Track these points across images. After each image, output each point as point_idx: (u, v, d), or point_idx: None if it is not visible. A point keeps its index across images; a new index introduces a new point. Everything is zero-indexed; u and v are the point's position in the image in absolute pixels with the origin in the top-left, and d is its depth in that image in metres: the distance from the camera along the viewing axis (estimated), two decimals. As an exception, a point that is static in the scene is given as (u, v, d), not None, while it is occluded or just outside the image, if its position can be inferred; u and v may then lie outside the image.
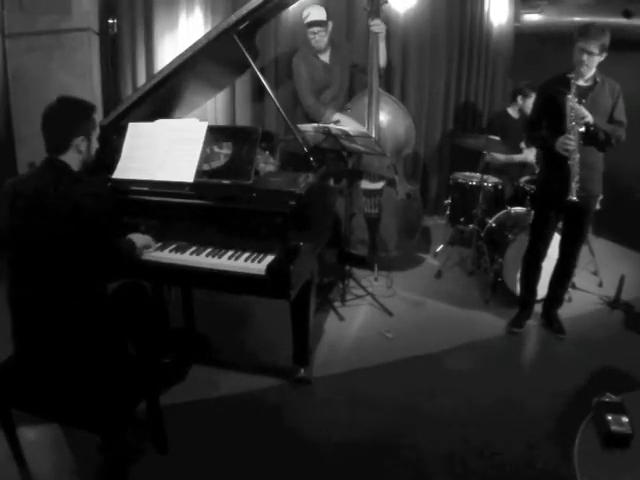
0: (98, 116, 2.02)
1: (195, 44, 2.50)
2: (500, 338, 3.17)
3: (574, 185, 2.67)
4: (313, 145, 3.00)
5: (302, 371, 2.62)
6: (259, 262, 2.17)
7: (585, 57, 2.62)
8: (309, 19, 3.57)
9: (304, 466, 2.15)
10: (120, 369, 1.94)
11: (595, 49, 2.59)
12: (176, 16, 3.97)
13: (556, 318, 3.23)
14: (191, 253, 2.26)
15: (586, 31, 2.61)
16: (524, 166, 4.12)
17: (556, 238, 3.14)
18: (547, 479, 2.10)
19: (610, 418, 1.63)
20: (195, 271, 2.22)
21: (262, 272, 2.12)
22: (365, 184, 3.71)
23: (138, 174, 2.40)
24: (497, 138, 3.77)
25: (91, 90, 3.77)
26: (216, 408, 2.46)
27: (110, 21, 3.84)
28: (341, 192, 3.50)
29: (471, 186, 3.96)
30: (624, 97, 2.78)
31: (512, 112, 4.21)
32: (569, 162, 2.66)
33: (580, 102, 2.65)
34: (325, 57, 3.75)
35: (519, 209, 3.73)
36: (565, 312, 3.31)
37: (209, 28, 3.73)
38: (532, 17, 4.98)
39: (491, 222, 3.74)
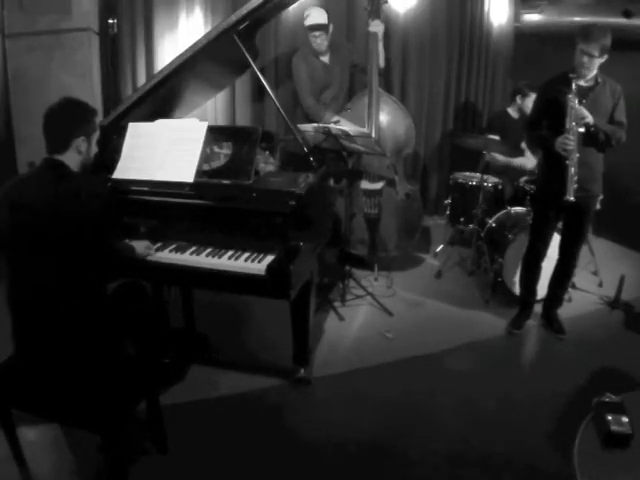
0: (98, 116, 2.02)
1: (195, 44, 2.50)
2: (500, 338, 3.17)
3: (572, 185, 2.66)
4: (313, 145, 3.00)
5: (302, 371, 2.62)
6: (259, 262, 2.17)
7: (585, 59, 2.62)
8: (310, 22, 3.57)
9: (304, 466, 2.15)
10: (120, 369, 1.94)
11: (595, 51, 2.58)
12: (176, 16, 3.97)
13: (556, 318, 3.23)
14: (191, 253, 2.26)
15: (587, 33, 2.60)
16: (523, 171, 4.11)
17: (556, 238, 3.14)
18: (547, 479, 2.10)
19: (610, 418, 1.63)
20: (195, 271, 2.22)
21: (262, 272, 2.12)
22: (365, 184, 3.71)
23: (138, 174, 2.40)
24: (497, 138, 3.78)
25: (91, 90, 3.77)
26: (216, 408, 2.46)
27: (110, 21, 3.84)
28: (341, 192, 3.50)
29: (471, 186, 3.95)
30: (624, 97, 2.78)
31: (512, 112, 4.21)
32: (567, 162, 2.66)
33: (581, 102, 2.65)
34: (325, 58, 3.75)
35: (519, 209, 3.73)
36: (565, 312, 3.31)
37: (209, 28, 3.73)
38: (532, 17, 4.98)
39: (491, 222, 3.74)
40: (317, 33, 3.57)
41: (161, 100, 2.73)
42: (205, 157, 2.40)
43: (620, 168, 3.70)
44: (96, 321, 1.90)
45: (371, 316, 3.36)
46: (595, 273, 3.92)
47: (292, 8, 3.97)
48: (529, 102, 3.94)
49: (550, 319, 3.24)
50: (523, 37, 5.11)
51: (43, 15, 3.63)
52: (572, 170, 2.66)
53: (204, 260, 2.22)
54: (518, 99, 4.13)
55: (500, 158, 4.07)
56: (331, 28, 3.63)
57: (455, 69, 5.05)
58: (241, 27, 2.49)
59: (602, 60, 2.64)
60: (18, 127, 3.80)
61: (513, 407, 2.52)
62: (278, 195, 2.26)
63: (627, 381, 2.71)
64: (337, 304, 3.42)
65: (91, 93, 3.75)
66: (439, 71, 4.95)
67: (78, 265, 1.83)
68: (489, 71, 5.23)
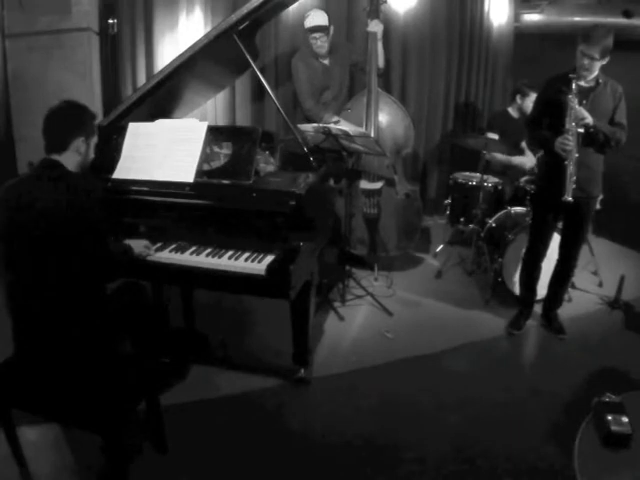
0: (98, 116, 2.03)
1: (195, 44, 2.50)
2: (500, 338, 3.17)
3: (570, 185, 2.66)
4: (313, 145, 3.00)
5: (302, 371, 2.62)
6: (259, 262, 2.17)
7: (586, 61, 2.61)
8: (311, 24, 3.56)
9: (304, 466, 2.15)
10: (120, 369, 1.94)
11: (596, 54, 2.57)
12: (176, 16, 3.96)
13: (556, 318, 3.23)
14: (191, 253, 2.26)
15: (588, 35, 2.59)
16: (522, 169, 4.11)
17: (556, 238, 3.14)
18: (547, 479, 2.10)
19: (610, 418, 1.63)
20: (195, 271, 2.22)
21: (262, 272, 2.12)
22: (364, 184, 3.71)
23: (138, 174, 2.40)
24: (496, 137, 3.77)
25: (91, 90, 3.77)
26: (216, 408, 2.46)
27: (110, 21, 3.84)
28: (341, 192, 3.50)
29: (471, 186, 3.95)
30: (624, 98, 2.77)
31: (512, 112, 4.21)
32: (565, 162, 2.66)
33: (581, 103, 2.65)
34: (325, 59, 3.75)
35: (519, 209, 3.72)
36: (565, 312, 3.32)
37: (209, 28, 3.73)
38: (532, 17, 4.98)
39: (491, 222, 3.74)
40: (317, 35, 3.57)
41: (161, 100, 2.73)
42: (205, 157, 2.40)
43: (621, 167, 3.71)
44: (96, 321, 1.90)
45: (371, 316, 3.36)
46: (595, 273, 3.92)
47: (292, 8, 3.97)
48: (529, 102, 3.94)
49: (550, 319, 3.24)
50: (523, 37, 5.11)
51: (43, 15, 3.63)
52: (571, 170, 2.66)
53: (204, 260, 2.22)
54: (518, 99, 4.12)
55: (500, 157, 4.07)
56: (332, 30, 3.63)
57: (455, 69, 5.05)
58: (241, 27, 2.49)
59: (603, 62, 2.64)
60: (18, 127, 3.80)
61: (513, 407, 2.52)
62: (278, 195, 2.26)
63: (627, 381, 2.71)
64: (337, 304, 3.42)
65: (91, 93, 3.75)
66: (439, 71, 4.95)
67: (77, 265, 1.83)
68: (489, 71, 5.23)
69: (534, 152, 4.06)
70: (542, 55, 4.75)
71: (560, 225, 3.12)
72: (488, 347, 3.09)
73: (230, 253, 2.24)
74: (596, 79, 2.71)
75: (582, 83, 2.69)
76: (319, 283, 3.21)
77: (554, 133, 2.73)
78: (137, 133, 2.48)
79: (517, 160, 4.09)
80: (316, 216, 2.51)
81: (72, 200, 1.80)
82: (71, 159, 1.90)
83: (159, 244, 2.31)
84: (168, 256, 2.25)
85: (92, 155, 2.02)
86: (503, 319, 3.33)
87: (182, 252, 2.26)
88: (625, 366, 2.82)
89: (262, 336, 3.07)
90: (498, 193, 3.96)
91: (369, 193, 3.70)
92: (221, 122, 4.21)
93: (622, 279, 3.51)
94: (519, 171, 4.05)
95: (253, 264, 2.16)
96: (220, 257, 2.22)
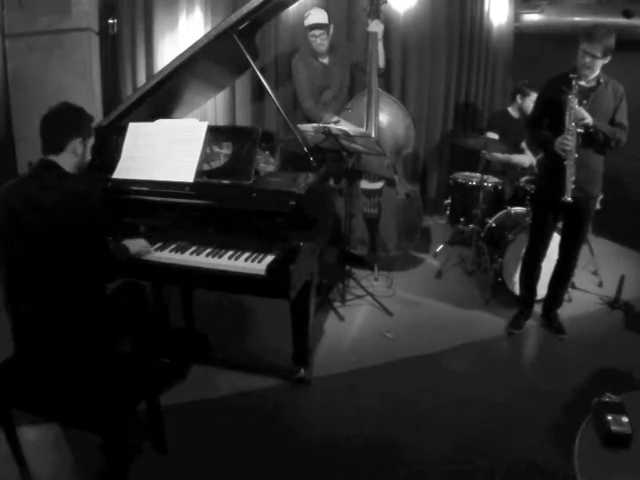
0: (98, 116, 2.03)
1: (195, 44, 2.50)
2: (500, 338, 3.17)
3: (569, 185, 2.66)
4: (313, 145, 3.00)
5: (302, 371, 2.62)
6: (259, 262, 2.17)
7: (588, 60, 2.61)
8: (310, 22, 3.57)
9: (304, 466, 2.15)
10: (120, 369, 1.94)
11: (598, 52, 2.57)
12: (176, 16, 3.96)
13: (556, 318, 3.23)
14: (191, 253, 2.26)
15: (590, 33, 2.59)
16: (523, 168, 4.11)
17: (556, 238, 3.14)
18: (547, 479, 2.10)
19: (610, 418, 1.63)
20: (195, 271, 2.22)
21: (262, 272, 2.12)
22: (365, 184, 3.71)
23: (138, 174, 2.40)
24: (496, 137, 3.77)
25: (91, 90, 3.77)
26: (216, 408, 2.46)
27: (110, 21, 3.84)
28: (341, 192, 3.50)
29: (471, 186, 3.95)
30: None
31: (512, 112, 4.21)
32: (565, 162, 2.66)
33: (581, 103, 2.64)
34: (324, 58, 3.75)
35: (519, 209, 3.72)
36: (565, 312, 3.31)
37: (209, 28, 3.73)
38: (532, 17, 4.98)
39: (491, 222, 3.74)
40: (317, 32, 3.57)
41: (161, 100, 2.73)
42: (205, 157, 2.40)
43: (621, 167, 3.70)
44: (96, 321, 1.91)
45: (371, 316, 3.36)
46: (595, 273, 3.92)
47: (292, 8, 3.97)
48: (529, 102, 3.94)
49: (550, 319, 3.24)
50: (523, 37, 5.11)
51: (43, 15, 3.63)
52: (570, 170, 2.66)
53: (204, 260, 2.22)
54: (518, 98, 4.12)
55: (499, 156, 4.07)
56: (332, 29, 3.63)
57: (455, 69, 5.04)
58: (241, 27, 2.49)
59: (605, 61, 2.63)
60: (18, 127, 3.80)
61: (513, 407, 2.52)
62: (278, 195, 2.26)
63: (627, 381, 2.71)
64: (337, 304, 3.42)
65: (91, 93, 3.75)
66: (439, 71, 4.95)
67: (77, 265, 1.83)
68: (489, 71, 5.23)
69: (534, 152, 4.06)
70: (542, 55, 4.75)
71: (560, 225, 3.12)
72: (488, 347, 3.09)
73: (230, 253, 2.24)
74: (597, 79, 2.71)
75: (583, 83, 2.68)
76: (319, 283, 3.21)
77: (554, 133, 2.73)
78: (137, 133, 2.48)
79: (516, 158, 4.09)
80: (316, 216, 2.51)
81: (71, 200, 1.81)
82: (68, 160, 1.91)
83: (159, 244, 2.31)
84: (168, 256, 2.25)
85: (89, 156, 2.02)
86: (503, 319, 3.33)
87: (182, 252, 2.26)
88: (625, 366, 2.82)
89: (262, 336, 3.07)
90: (498, 193, 3.96)
91: (369, 193, 3.70)
92: (221, 122, 4.21)
93: (622, 279, 3.51)
94: (519, 170, 4.05)
95: (253, 264, 2.16)
96: (220, 257, 2.22)
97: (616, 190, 3.76)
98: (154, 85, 2.59)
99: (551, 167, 2.81)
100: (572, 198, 2.67)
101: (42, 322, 1.83)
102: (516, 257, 3.39)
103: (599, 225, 4.34)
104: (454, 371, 2.81)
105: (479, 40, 5.07)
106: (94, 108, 3.72)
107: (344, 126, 3.19)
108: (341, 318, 3.29)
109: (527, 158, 4.08)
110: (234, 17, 2.45)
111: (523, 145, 4.16)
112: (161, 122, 2.49)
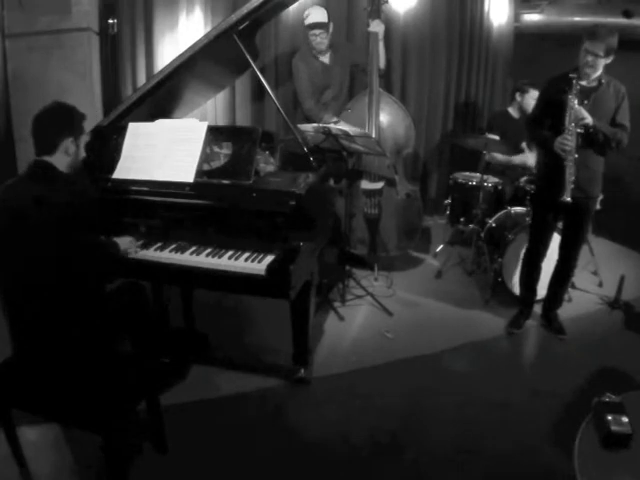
0: (98, 116, 2.03)
1: (195, 44, 2.50)
2: (500, 338, 3.17)
3: (569, 185, 2.66)
4: (313, 145, 3.00)
5: (302, 371, 2.62)
6: (259, 262, 2.17)
7: (590, 59, 2.60)
8: (310, 21, 3.57)
9: (304, 466, 2.15)
10: (120, 369, 1.94)
11: (600, 51, 2.56)
12: (176, 16, 3.96)
13: (556, 318, 3.23)
14: (191, 253, 2.26)
15: (593, 32, 2.58)
16: (524, 168, 4.11)
17: (556, 238, 3.14)
18: (547, 479, 2.10)
19: (610, 418, 1.63)
20: (195, 271, 2.22)
21: (262, 272, 2.12)
22: (365, 184, 3.70)
23: (138, 174, 2.40)
24: (497, 138, 3.77)
25: (91, 90, 3.77)
26: (216, 408, 2.46)
27: (110, 21, 3.84)
28: (341, 192, 3.50)
29: (471, 186, 3.95)
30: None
31: (513, 112, 4.21)
32: (565, 162, 2.66)
33: (582, 103, 2.64)
34: (325, 58, 3.75)
35: (519, 209, 3.72)
36: (565, 312, 3.31)
37: (209, 28, 3.73)
38: (532, 17, 4.98)
39: (491, 222, 3.74)
40: (317, 31, 3.57)
41: (161, 100, 2.73)
42: (205, 157, 2.40)
43: (621, 167, 3.70)
44: (95, 321, 1.91)
45: (371, 316, 3.36)
46: (595, 273, 3.92)
47: (292, 8, 3.97)
48: (529, 98, 3.95)
49: (550, 319, 3.24)
50: (523, 37, 5.11)
51: (43, 15, 3.63)
52: (570, 171, 2.66)
53: (204, 260, 2.22)
54: (517, 96, 4.12)
55: (500, 157, 4.07)
56: (331, 27, 3.63)
57: (455, 69, 5.05)
58: (241, 27, 2.49)
59: (607, 61, 2.62)
60: (18, 127, 3.80)
61: (513, 407, 2.52)
62: (278, 195, 2.26)
63: (627, 381, 2.71)
64: (337, 304, 3.42)
65: (91, 93, 3.75)
66: (439, 71, 4.95)
67: (75, 265, 1.83)
68: (489, 71, 5.23)
69: (534, 152, 4.05)
70: (542, 55, 4.75)
71: (560, 225, 3.12)
72: (488, 347, 3.09)
73: (230, 253, 2.24)
74: (599, 79, 2.70)
75: (584, 83, 2.67)
76: (319, 283, 3.21)
77: (554, 133, 2.72)
78: (137, 133, 2.48)
79: (518, 159, 4.09)
80: (316, 216, 2.51)
81: (68, 200, 1.82)
82: (61, 160, 1.91)
83: (159, 244, 2.31)
84: (168, 256, 2.25)
85: (83, 153, 2.02)
86: (503, 319, 3.33)
87: (182, 252, 2.26)
88: (625, 366, 2.82)
89: (262, 336, 3.07)
90: (498, 193, 3.96)
91: (370, 193, 3.70)
92: (221, 122, 4.21)
93: (622, 279, 3.51)
94: (519, 170, 4.05)
95: (253, 264, 2.16)
96: (220, 257, 2.22)
97: (616, 190, 3.76)
98: (154, 85, 2.59)
99: (551, 167, 2.81)
100: (572, 198, 2.67)
101: (41, 322, 1.83)
102: (516, 257, 3.39)
103: (599, 225, 4.34)
104: (454, 371, 2.81)
105: (479, 40, 5.08)
106: (94, 108, 3.72)
107: (343, 127, 3.18)
108: (341, 318, 3.29)
109: (529, 157, 4.08)
110: (234, 17, 2.45)
111: (523, 145, 4.15)
112: (161, 122, 2.49)
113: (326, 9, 3.63)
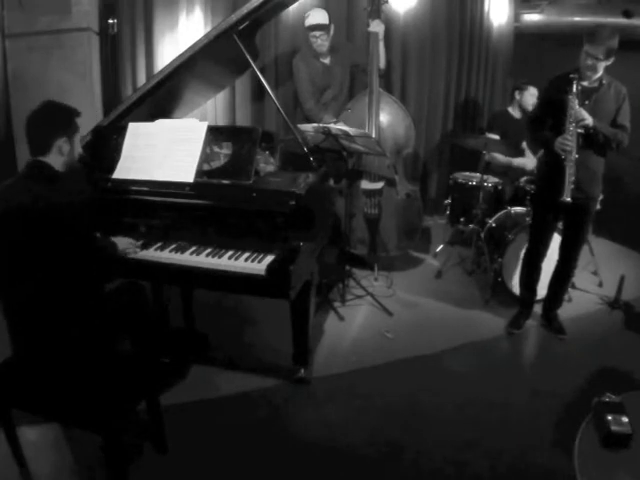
0: (98, 116, 2.03)
1: (195, 44, 2.50)
2: (500, 338, 3.17)
3: (569, 186, 2.66)
4: (313, 145, 3.00)
5: (302, 371, 2.62)
6: (259, 262, 2.17)
7: (590, 61, 2.60)
8: (310, 22, 3.57)
9: (304, 466, 2.15)
10: (120, 369, 1.94)
11: (601, 54, 2.56)
12: (176, 16, 3.96)
13: (556, 318, 3.23)
14: (191, 253, 2.26)
15: (593, 35, 2.58)
16: (523, 170, 4.11)
17: (556, 238, 3.14)
18: (547, 479, 2.10)
19: (610, 418, 1.63)
20: (195, 271, 2.22)
21: (262, 272, 2.12)
22: (365, 184, 3.71)
23: (138, 174, 2.40)
24: (497, 138, 3.77)
25: (91, 90, 3.77)
26: (216, 408, 2.46)
27: (110, 21, 3.84)
28: (341, 192, 3.50)
29: (471, 186, 3.95)
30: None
31: (513, 112, 4.21)
32: (565, 163, 2.66)
33: (583, 103, 2.64)
34: (325, 59, 3.75)
35: (519, 209, 3.72)
36: (565, 312, 3.31)
37: (209, 28, 3.73)
38: (532, 17, 4.98)
39: (491, 222, 3.74)
40: (318, 33, 3.57)
41: (161, 100, 2.73)
42: (205, 157, 2.40)
43: (621, 167, 3.70)
44: (95, 321, 1.91)
45: (371, 316, 3.36)
46: (595, 273, 3.92)
47: (292, 8, 3.97)
48: (527, 95, 3.96)
49: (550, 319, 3.24)
50: (523, 37, 5.11)
51: (43, 15, 3.63)
52: (570, 171, 2.65)
53: (204, 260, 2.22)
54: (516, 94, 4.13)
55: (500, 158, 4.07)
56: (332, 29, 3.63)
57: (455, 69, 5.05)
58: (241, 27, 2.49)
59: (608, 63, 2.62)
60: (18, 127, 3.79)
61: (513, 407, 2.52)
62: (278, 195, 2.26)
63: (627, 381, 2.71)
64: (337, 304, 3.42)
65: (91, 93, 3.75)
66: (439, 71, 4.95)
67: (70, 264, 1.84)
68: (489, 71, 5.23)
69: (535, 153, 4.06)
70: (542, 55, 4.75)
71: (560, 225, 3.12)
72: (488, 347, 3.09)
73: (230, 253, 2.24)
74: (600, 80, 2.70)
75: (585, 83, 2.68)
76: (319, 283, 3.21)
77: (555, 133, 2.72)
78: (137, 133, 2.48)
79: (517, 162, 4.09)
80: (316, 216, 2.50)
81: (66, 199, 1.82)
82: (56, 160, 1.91)
83: (159, 244, 2.31)
84: (168, 256, 2.25)
85: (79, 150, 2.02)
86: (503, 319, 3.33)
87: (182, 252, 2.26)
88: (625, 366, 2.82)
89: (262, 336, 3.07)
90: (498, 193, 3.96)
91: (370, 193, 3.70)
92: (221, 122, 4.21)
93: (622, 279, 3.51)
94: (520, 172, 4.05)
95: (253, 264, 2.16)
96: (220, 257, 2.22)
97: (616, 190, 3.77)
98: (154, 85, 2.59)
99: (551, 167, 2.81)
100: (572, 199, 2.67)
101: (41, 322, 1.83)
102: (516, 257, 3.39)
103: (599, 225, 4.34)
104: (454, 371, 2.81)
105: (479, 40, 5.08)
106: (94, 108, 3.72)
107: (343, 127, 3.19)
108: (341, 318, 3.29)
109: (529, 161, 4.08)
110: (234, 17, 2.45)
111: (524, 146, 4.16)
112: (161, 122, 2.49)
113: (326, 10, 3.64)
